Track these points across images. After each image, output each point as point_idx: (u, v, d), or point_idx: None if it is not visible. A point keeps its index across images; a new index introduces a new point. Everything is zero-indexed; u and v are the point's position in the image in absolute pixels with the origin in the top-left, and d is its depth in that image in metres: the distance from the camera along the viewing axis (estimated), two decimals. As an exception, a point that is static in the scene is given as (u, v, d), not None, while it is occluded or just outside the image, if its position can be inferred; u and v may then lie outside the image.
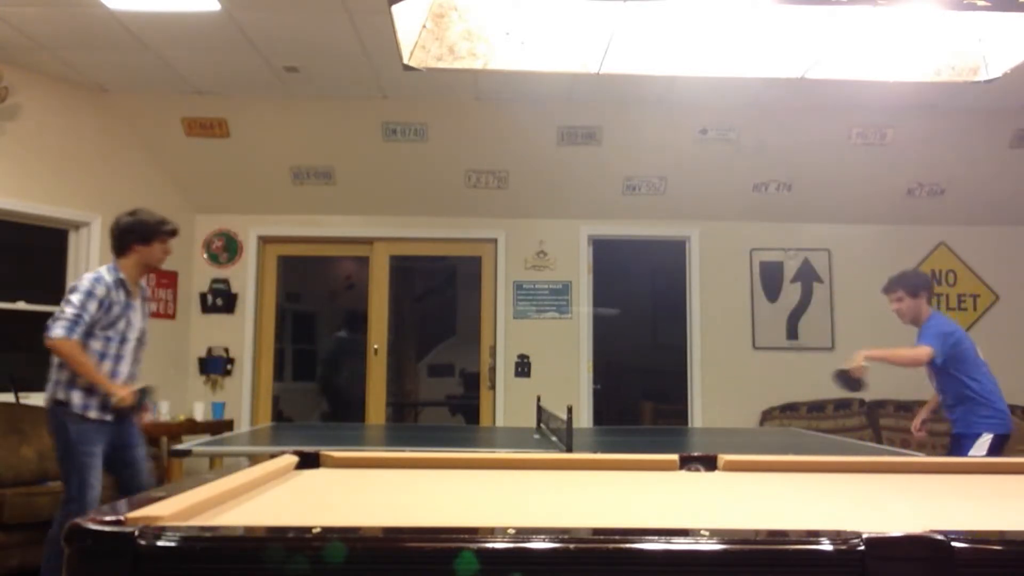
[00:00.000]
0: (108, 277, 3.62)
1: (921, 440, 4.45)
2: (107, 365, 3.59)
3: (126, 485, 3.68)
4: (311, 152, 6.09)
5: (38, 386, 5.29)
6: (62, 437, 3.53)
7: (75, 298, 3.51)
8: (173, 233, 3.80)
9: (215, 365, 6.33)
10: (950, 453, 4.10)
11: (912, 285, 4.22)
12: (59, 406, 3.52)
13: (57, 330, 3.45)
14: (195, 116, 5.80)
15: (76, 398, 3.53)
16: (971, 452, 3.91)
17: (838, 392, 6.33)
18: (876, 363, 4.10)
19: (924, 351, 3.99)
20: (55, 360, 3.56)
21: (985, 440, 3.90)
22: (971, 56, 2.59)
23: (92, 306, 3.52)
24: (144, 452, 3.80)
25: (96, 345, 3.57)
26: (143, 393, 3.64)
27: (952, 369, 4.02)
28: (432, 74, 4.97)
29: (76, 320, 3.48)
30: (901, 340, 6.49)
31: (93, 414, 3.54)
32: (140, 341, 3.77)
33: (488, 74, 5.06)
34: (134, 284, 3.72)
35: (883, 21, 2.45)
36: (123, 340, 3.65)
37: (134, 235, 3.69)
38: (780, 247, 6.60)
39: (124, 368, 3.67)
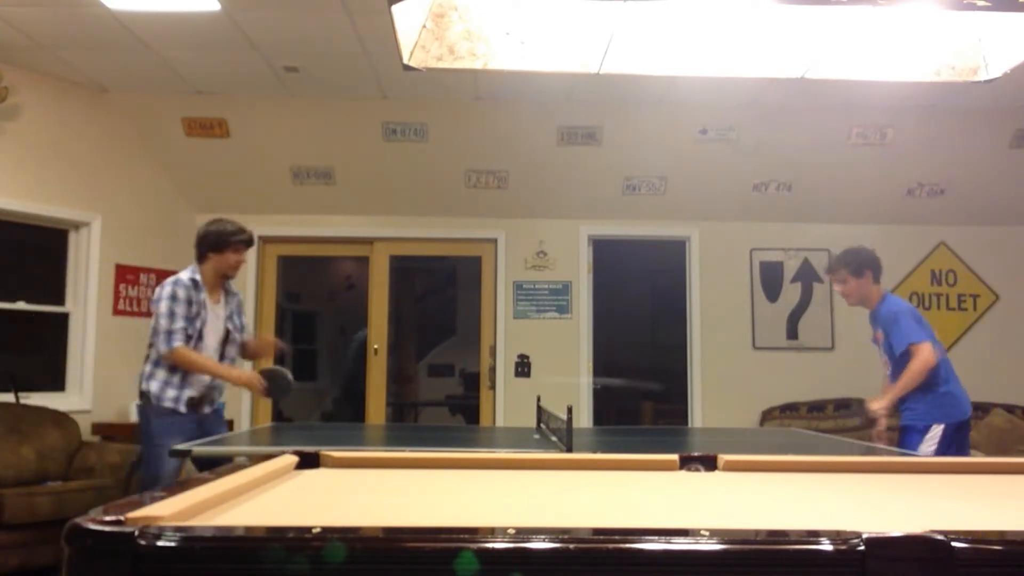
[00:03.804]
0: (185, 278, 3.83)
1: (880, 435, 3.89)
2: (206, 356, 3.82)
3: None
4: (311, 152, 6.09)
5: (38, 386, 5.32)
6: (144, 428, 3.76)
7: (163, 308, 3.72)
8: (248, 242, 4.00)
9: (215, 365, 6.32)
10: (900, 443, 3.75)
11: (854, 264, 3.79)
12: (142, 396, 3.77)
13: (161, 345, 3.69)
14: (195, 116, 5.80)
15: (154, 387, 3.75)
16: (921, 447, 3.58)
17: (838, 392, 6.38)
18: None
19: (925, 353, 3.57)
20: (147, 354, 3.79)
21: (935, 433, 3.57)
22: (971, 56, 2.59)
23: (180, 309, 3.74)
24: None
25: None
26: (273, 376, 3.84)
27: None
28: (432, 74, 4.97)
29: (170, 331, 3.70)
30: (901, 340, 6.50)
31: (168, 404, 3.74)
32: (226, 342, 3.95)
33: (488, 74, 5.06)
34: (212, 289, 3.91)
35: (883, 21, 2.45)
36: (200, 338, 3.82)
37: (208, 243, 3.92)
38: (780, 247, 6.60)
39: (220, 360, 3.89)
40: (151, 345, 3.78)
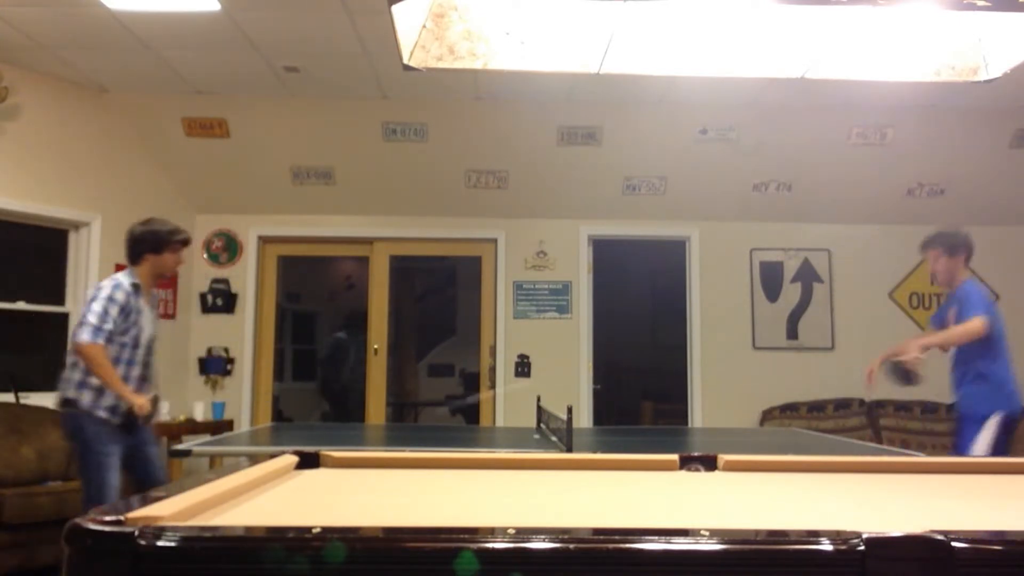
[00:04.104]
0: (126, 283, 3.67)
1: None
2: (120, 369, 3.62)
3: (141, 483, 3.70)
4: (311, 152, 6.09)
5: (38, 386, 5.31)
6: (80, 438, 3.56)
7: (97, 306, 3.55)
8: (185, 243, 3.87)
9: (215, 365, 6.33)
10: (958, 434, 3.83)
11: (950, 243, 3.85)
12: (71, 406, 3.56)
13: (84, 335, 3.48)
14: (195, 116, 5.80)
15: (86, 397, 3.56)
16: (980, 436, 3.66)
17: (838, 392, 6.38)
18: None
19: (977, 323, 3.62)
20: (68, 360, 3.60)
21: (994, 421, 3.63)
22: (971, 56, 2.59)
23: (114, 311, 3.57)
24: (157, 450, 3.84)
25: (112, 350, 3.59)
26: (156, 401, 3.68)
27: (981, 344, 3.69)
28: (432, 74, 4.97)
29: (100, 326, 3.52)
30: (901, 339, 6.50)
31: (102, 414, 3.57)
32: (150, 347, 3.80)
33: (488, 74, 5.06)
34: (147, 291, 3.78)
35: (883, 21, 2.45)
36: (135, 346, 3.69)
37: (145, 244, 3.75)
38: (780, 247, 6.60)
39: (135, 373, 3.69)
40: (72, 354, 3.60)
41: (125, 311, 3.62)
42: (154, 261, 3.75)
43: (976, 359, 3.75)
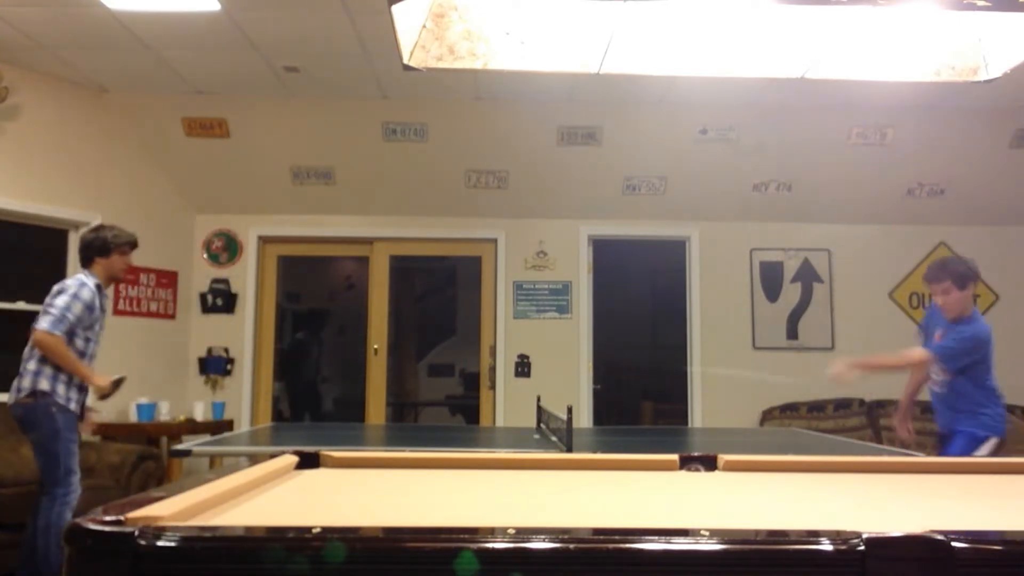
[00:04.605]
0: (91, 282, 3.91)
1: (908, 441, 4.18)
2: (84, 363, 3.89)
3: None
4: (311, 152, 6.09)
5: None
6: (50, 426, 3.77)
7: (61, 300, 3.80)
8: (132, 245, 4.11)
9: (215, 365, 6.33)
10: (943, 447, 3.85)
11: (961, 276, 3.73)
12: (43, 396, 3.77)
13: (44, 324, 3.74)
14: (195, 116, 5.80)
15: (60, 389, 3.80)
16: (976, 453, 3.67)
17: (838, 392, 6.37)
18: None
19: (919, 354, 3.78)
20: (35, 354, 3.81)
21: (991, 445, 3.66)
22: (971, 56, 2.59)
23: (77, 308, 3.82)
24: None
25: (79, 344, 3.86)
26: (118, 383, 3.94)
27: (971, 372, 3.70)
28: (432, 74, 4.97)
29: (62, 318, 3.76)
30: (901, 338, 6.49)
31: (73, 406, 3.84)
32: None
33: (488, 74, 5.06)
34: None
35: (883, 21, 2.45)
36: (96, 341, 3.99)
37: (92, 249, 4.01)
38: (780, 247, 6.60)
39: (93, 362, 4.01)
40: (33, 347, 3.81)
41: (91, 307, 3.87)
42: (104, 264, 4.02)
43: (970, 389, 3.74)
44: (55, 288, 3.89)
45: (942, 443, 3.90)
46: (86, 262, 4.01)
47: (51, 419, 3.76)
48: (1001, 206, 6.46)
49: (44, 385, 3.77)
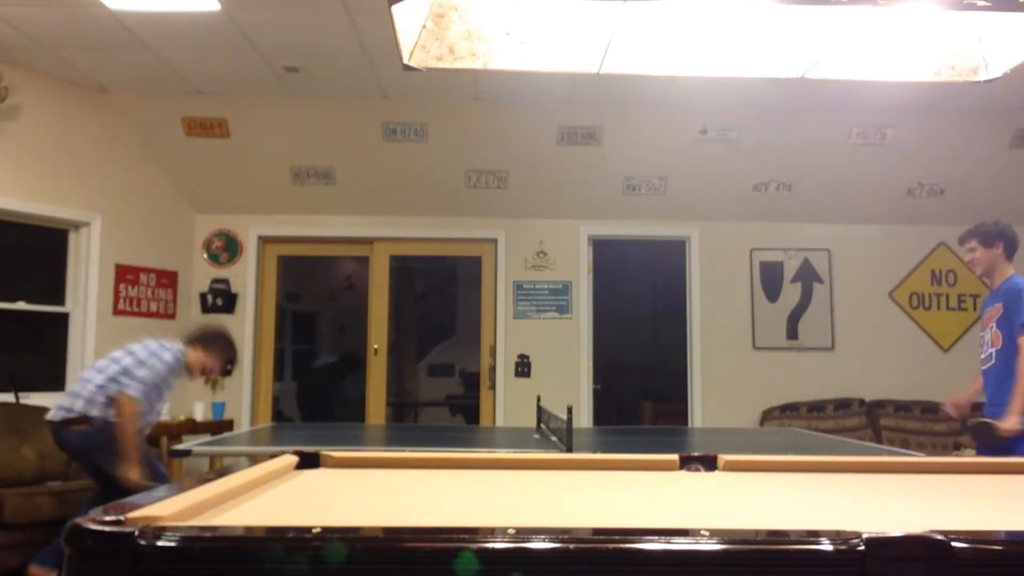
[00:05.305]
0: (182, 359, 3.98)
1: (955, 414, 3.88)
2: (140, 427, 3.90)
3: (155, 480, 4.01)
4: (311, 152, 6.09)
5: (38, 386, 5.32)
6: (109, 448, 3.74)
7: (156, 368, 3.83)
8: (232, 361, 4.21)
9: (215, 365, 6.32)
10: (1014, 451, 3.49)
11: (986, 234, 3.85)
12: (88, 420, 3.78)
13: (134, 391, 3.74)
14: (195, 116, 5.80)
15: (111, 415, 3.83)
16: None
17: (838, 392, 6.38)
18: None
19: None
20: (96, 388, 3.81)
21: None
22: (971, 56, 2.59)
23: (158, 379, 3.86)
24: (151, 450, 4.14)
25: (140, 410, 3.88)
26: (141, 488, 3.90)
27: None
28: (432, 74, 4.97)
29: (145, 386, 3.79)
30: (901, 340, 6.51)
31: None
32: None
33: (488, 74, 5.06)
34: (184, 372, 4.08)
35: (883, 21, 2.45)
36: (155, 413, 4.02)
37: (206, 339, 4.08)
38: (780, 247, 6.60)
39: (146, 432, 4.03)
40: (112, 379, 3.81)
41: (167, 383, 3.93)
42: (204, 357, 4.05)
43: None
44: (148, 346, 3.91)
45: (982, 437, 3.59)
46: (195, 344, 4.04)
47: (109, 439, 3.76)
48: (1001, 206, 6.45)
49: (96, 412, 3.80)
